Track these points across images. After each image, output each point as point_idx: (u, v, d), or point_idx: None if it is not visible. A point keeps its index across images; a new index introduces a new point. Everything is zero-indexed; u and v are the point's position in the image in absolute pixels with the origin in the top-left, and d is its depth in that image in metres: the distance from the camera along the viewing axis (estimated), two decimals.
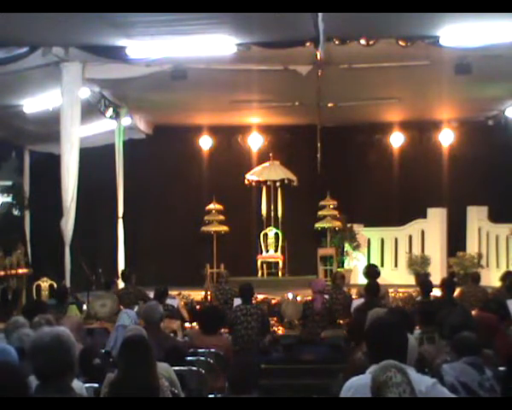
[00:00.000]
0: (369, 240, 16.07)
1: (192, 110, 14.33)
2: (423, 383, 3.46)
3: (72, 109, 10.42)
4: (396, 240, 15.87)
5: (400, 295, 12.29)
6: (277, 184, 15.75)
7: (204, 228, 15.48)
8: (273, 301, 11.68)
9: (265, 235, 15.81)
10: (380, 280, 9.75)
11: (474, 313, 6.39)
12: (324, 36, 8.77)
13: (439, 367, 4.40)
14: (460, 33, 9.07)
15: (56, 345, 3.34)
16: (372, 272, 10.39)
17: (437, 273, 14.30)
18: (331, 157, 14.73)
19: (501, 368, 4.42)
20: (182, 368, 5.78)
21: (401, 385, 3.16)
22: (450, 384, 4.10)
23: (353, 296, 10.52)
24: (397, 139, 16.16)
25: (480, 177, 15.10)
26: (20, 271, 12.39)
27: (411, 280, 14.80)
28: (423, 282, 10.06)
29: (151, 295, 10.34)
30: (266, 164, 15.79)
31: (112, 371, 4.66)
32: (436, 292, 9.42)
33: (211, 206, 15.61)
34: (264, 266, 15.55)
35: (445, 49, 9.37)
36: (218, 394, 5.87)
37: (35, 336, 3.62)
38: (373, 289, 8.74)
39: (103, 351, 6.55)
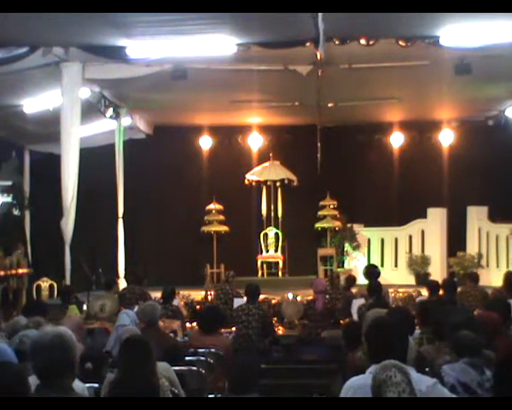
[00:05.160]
0: (369, 240, 16.07)
1: (192, 110, 14.32)
2: (424, 383, 3.46)
3: (72, 109, 10.42)
4: (396, 240, 15.87)
5: (400, 295, 12.28)
6: (277, 184, 15.76)
7: (204, 228, 15.49)
8: (273, 301, 11.68)
9: (265, 235, 15.82)
10: (380, 280, 9.75)
11: (475, 312, 6.39)
12: (324, 36, 8.76)
13: (439, 369, 4.39)
14: (460, 33, 9.07)
15: (58, 344, 3.35)
16: (372, 272, 10.37)
17: (437, 273, 14.31)
18: (331, 157, 14.75)
19: None
20: (182, 368, 5.78)
21: (400, 385, 3.16)
22: (451, 385, 4.10)
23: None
24: (397, 139, 16.15)
25: (480, 177, 15.11)
26: (20, 271, 12.38)
27: (411, 280, 14.82)
28: (430, 282, 10.07)
29: (151, 295, 10.38)
30: (266, 164, 15.80)
31: (111, 371, 4.66)
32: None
33: (211, 206, 15.62)
34: (264, 266, 15.56)
35: (445, 49, 9.38)
36: (218, 394, 5.87)
37: (37, 334, 3.63)
38: (375, 289, 8.73)
39: (104, 351, 6.55)
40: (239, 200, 15.71)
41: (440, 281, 9.90)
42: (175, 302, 9.65)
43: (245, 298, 9.17)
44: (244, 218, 15.81)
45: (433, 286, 9.37)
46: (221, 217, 15.60)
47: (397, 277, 15.03)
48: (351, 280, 10.86)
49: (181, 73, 10.41)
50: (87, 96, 11.38)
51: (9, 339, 5.07)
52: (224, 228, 15.49)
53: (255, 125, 16.17)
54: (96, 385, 4.75)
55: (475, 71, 10.15)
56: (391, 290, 12.07)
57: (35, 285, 13.15)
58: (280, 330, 10.22)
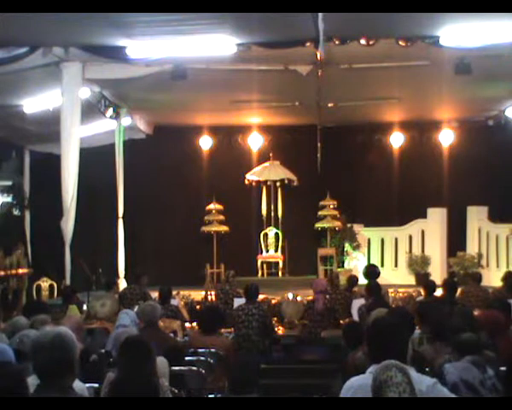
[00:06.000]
0: (369, 240, 16.06)
1: (192, 110, 14.32)
2: (424, 383, 3.46)
3: (72, 109, 10.42)
4: (396, 240, 15.87)
5: (400, 295, 12.29)
6: (277, 184, 15.76)
7: (204, 228, 15.48)
8: (273, 301, 11.67)
9: (265, 235, 15.81)
10: (380, 280, 9.75)
11: (476, 313, 6.40)
12: (324, 36, 8.76)
13: (441, 367, 4.39)
14: (460, 33, 9.07)
15: (58, 344, 3.35)
16: (372, 272, 10.38)
17: (437, 273, 14.31)
18: (331, 157, 14.76)
19: (503, 368, 4.41)
20: (182, 368, 5.78)
21: (401, 385, 3.16)
22: (453, 383, 4.09)
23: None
24: (397, 139, 16.15)
25: (480, 177, 15.10)
26: (20, 271, 12.38)
27: (411, 280, 14.81)
28: (427, 282, 10.07)
29: (151, 295, 10.37)
30: (266, 164, 15.79)
31: (111, 371, 4.65)
32: (436, 292, 9.42)
33: (211, 206, 15.61)
34: (264, 266, 15.55)
35: (445, 49, 9.38)
36: (218, 394, 5.87)
37: (38, 334, 3.63)
38: (374, 289, 8.72)
39: (103, 351, 6.55)
40: (239, 200, 15.70)
41: (440, 281, 9.90)
42: (175, 302, 9.66)
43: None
44: (244, 218, 15.81)
45: (429, 286, 9.36)
46: (221, 217, 15.59)
47: (397, 277, 15.03)
48: (353, 280, 10.85)
49: (181, 73, 10.41)
50: (87, 96, 11.38)
51: (9, 339, 5.06)
52: (224, 228, 15.48)
53: (255, 125, 16.18)
54: (96, 385, 4.75)
55: (475, 71, 10.15)
56: (391, 290, 12.09)
57: (35, 285, 13.16)
58: (280, 330, 10.21)
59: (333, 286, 10.63)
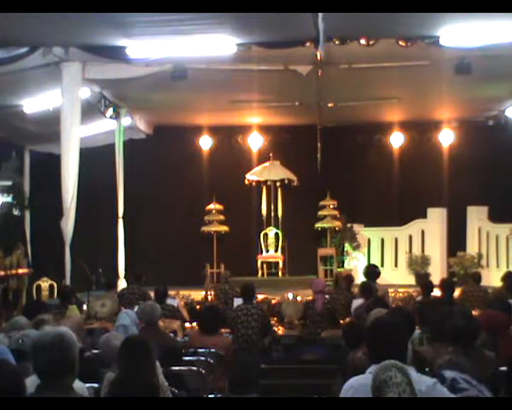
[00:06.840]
0: (369, 240, 16.06)
1: (192, 110, 14.33)
2: (423, 383, 3.46)
3: (72, 109, 10.42)
4: (396, 240, 15.86)
5: (400, 295, 12.29)
6: (277, 184, 15.77)
7: (204, 228, 15.49)
8: (273, 301, 11.68)
9: (265, 235, 15.82)
10: (380, 280, 9.75)
11: (476, 313, 6.40)
12: (324, 36, 8.77)
13: (441, 367, 4.39)
14: (460, 33, 9.08)
15: (58, 344, 3.35)
16: (372, 272, 10.37)
17: (437, 273, 14.30)
18: (331, 157, 14.76)
19: (503, 368, 4.41)
20: (182, 368, 5.78)
21: (401, 385, 3.16)
22: (452, 378, 4.08)
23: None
24: (397, 139, 16.15)
25: (480, 177, 15.10)
26: (21, 271, 12.39)
27: (411, 280, 14.80)
28: (424, 282, 10.07)
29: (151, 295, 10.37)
30: (266, 164, 15.80)
31: (111, 371, 4.65)
32: (436, 292, 9.43)
33: (211, 206, 15.62)
34: (265, 266, 15.55)
35: (445, 49, 9.38)
36: (218, 394, 5.88)
37: (38, 334, 3.63)
38: (367, 290, 8.72)
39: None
40: (239, 200, 15.71)
41: (439, 281, 9.90)
42: (175, 302, 9.66)
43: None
44: (244, 218, 15.81)
45: (426, 286, 9.37)
46: (221, 217, 15.61)
47: (397, 277, 15.01)
48: (350, 279, 10.85)
49: (181, 73, 10.42)
50: (87, 96, 11.39)
51: (9, 339, 5.06)
52: (224, 228, 15.49)
53: (255, 125, 16.17)
54: (96, 385, 4.75)
55: (475, 71, 10.15)
56: (391, 290, 12.07)
57: (35, 285, 13.16)
58: (280, 330, 10.22)
59: (337, 286, 10.63)
